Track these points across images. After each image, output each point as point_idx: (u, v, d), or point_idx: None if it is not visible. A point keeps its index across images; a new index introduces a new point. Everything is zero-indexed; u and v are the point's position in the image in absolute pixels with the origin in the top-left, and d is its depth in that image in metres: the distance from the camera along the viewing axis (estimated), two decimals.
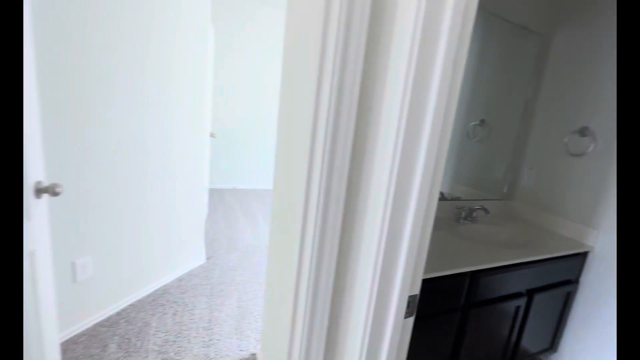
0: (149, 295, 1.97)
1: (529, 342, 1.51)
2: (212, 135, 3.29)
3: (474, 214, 1.63)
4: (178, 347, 1.59)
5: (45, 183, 1.05)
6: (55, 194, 1.04)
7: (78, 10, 1.36)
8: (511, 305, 1.34)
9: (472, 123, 1.65)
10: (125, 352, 1.51)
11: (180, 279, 2.19)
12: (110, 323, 1.69)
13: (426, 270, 1.03)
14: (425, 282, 1.03)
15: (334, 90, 0.77)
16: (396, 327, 0.80)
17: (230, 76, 4.34)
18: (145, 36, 1.68)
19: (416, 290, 0.81)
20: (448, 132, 0.72)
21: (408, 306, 0.80)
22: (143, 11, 1.64)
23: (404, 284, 0.77)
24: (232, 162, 4.62)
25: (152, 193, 1.90)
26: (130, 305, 1.86)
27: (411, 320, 0.84)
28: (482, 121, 1.68)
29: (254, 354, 1.61)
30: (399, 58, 0.68)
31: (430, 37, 0.64)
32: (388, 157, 0.72)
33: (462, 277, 1.16)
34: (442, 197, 1.65)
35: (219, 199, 4.13)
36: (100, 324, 1.66)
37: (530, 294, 1.39)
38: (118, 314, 1.76)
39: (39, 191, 1.02)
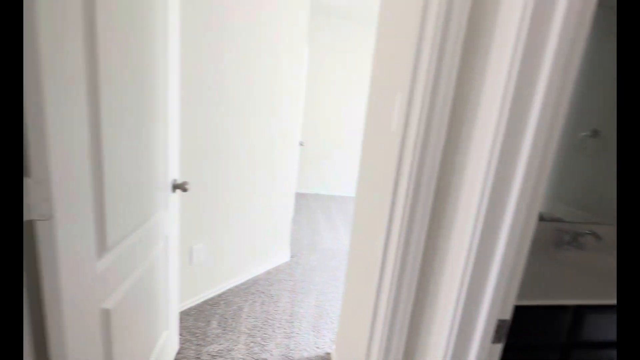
0: (243, 284, 2.21)
1: None
2: (301, 144, 3.54)
3: (581, 240, 1.40)
4: (264, 334, 1.74)
5: (179, 181, 1.29)
6: (185, 190, 1.26)
7: (216, 40, 1.65)
8: None
9: (582, 134, 1.43)
10: (223, 330, 1.73)
11: (268, 273, 2.40)
12: (213, 302, 1.95)
13: (519, 297, 0.93)
14: (517, 309, 0.94)
15: (426, 100, 0.78)
16: (482, 351, 0.76)
17: (319, 88, 4.59)
18: (255, 56, 1.92)
19: (507, 315, 0.76)
20: (553, 143, 0.65)
21: (497, 331, 0.75)
22: (256, 38, 1.89)
23: (492, 306, 0.73)
24: (316, 169, 4.86)
25: (253, 194, 2.15)
26: (229, 289, 2.11)
27: (499, 347, 0.79)
28: (595, 132, 1.44)
29: (328, 353, 1.66)
30: (497, 72, 0.66)
31: (536, 44, 0.60)
32: (481, 170, 0.69)
33: (563, 311, 1.01)
34: (540, 218, 1.46)
35: (303, 203, 4.37)
36: (205, 302, 1.94)
37: None
38: (219, 296, 2.03)
39: (174, 187, 1.26)
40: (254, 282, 2.25)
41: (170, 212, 1.26)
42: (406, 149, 0.86)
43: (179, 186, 1.26)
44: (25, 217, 0.60)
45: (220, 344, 1.62)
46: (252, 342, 1.67)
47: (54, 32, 0.59)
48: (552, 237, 1.47)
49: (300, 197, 4.63)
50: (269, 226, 2.40)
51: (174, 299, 1.38)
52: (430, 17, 0.76)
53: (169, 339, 1.38)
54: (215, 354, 1.55)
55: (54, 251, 0.64)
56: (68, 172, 0.66)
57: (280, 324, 1.84)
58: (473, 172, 0.73)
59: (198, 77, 1.64)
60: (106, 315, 0.84)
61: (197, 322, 1.76)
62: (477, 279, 0.72)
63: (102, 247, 0.80)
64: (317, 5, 3.94)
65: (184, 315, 1.80)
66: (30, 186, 0.60)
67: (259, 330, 1.76)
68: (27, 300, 0.64)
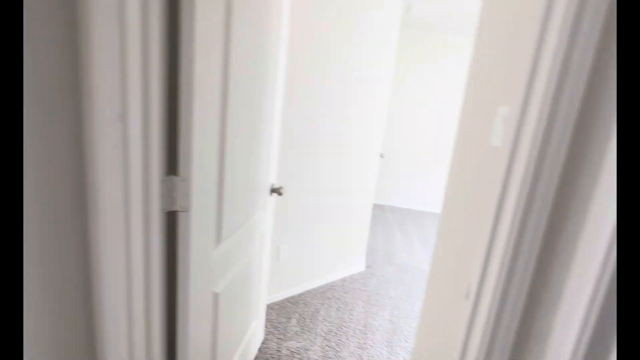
0: (320, 287, 2.27)
1: None
2: (381, 155, 3.50)
3: None
4: (338, 340, 1.75)
5: (276, 185, 1.40)
6: (280, 194, 1.37)
7: (311, 58, 1.77)
8: None
9: None
10: (302, 329, 1.79)
11: (343, 280, 2.42)
12: (293, 301, 2.05)
13: None
14: None
15: (544, 115, 0.70)
16: None
17: (400, 100, 4.50)
18: (345, 71, 1.99)
19: None
20: None
21: None
22: (347, 55, 1.97)
23: None
24: (393, 181, 4.74)
25: (335, 202, 2.21)
26: (307, 291, 2.19)
27: None
28: None
29: None
30: None
31: None
32: (611, 188, 0.59)
33: None
34: None
35: (380, 214, 4.30)
36: (287, 300, 2.05)
37: None
38: (299, 295, 2.12)
39: (272, 190, 1.37)
40: (330, 287, 2.29)
41: (267, 212, 1.38)
42: (515, 167, 0.78)
43: (275, 190, 1.37)
44: (170, 208, 0.73)
45: (298, 342, 1.68)
46: (327, 345, 1.69)
47: (204, 67, 0.72)
48: None
49: (376, 208, 4.56)
50: (347, 235, 2.42)
51: (263, 292, 1.49)
52: (554, 24, 0.69)
53: (257, 329, 1.50)
54: (294, 350, 1.62)
55: (187, 238, 0.76)
56: (202, 172, 0.77)
57: (354, 333, 1.83)
58: (603, 191, 0.62)
59: (294, 91, 1.77)
60: (216, 298, 0.95)
61: (279, 317, 1.87)
62: (606, 318, 0.61)
63: (218, 238, 0.92)
64: (406, 18, 3.89)
65: (268, 309, 1.93)
66: (177, 183, 0.72)
67: (333, 336, 1.78)
68: (164, 279, 0.76)
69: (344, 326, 1.87)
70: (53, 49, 0.50)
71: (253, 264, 1.27)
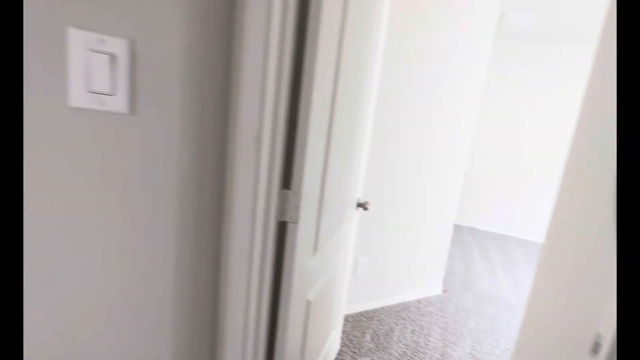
0: (394, 305, 2.19)
1: None
2: (465, 174, 3.26)
3: None
4: None
5: (362, 200, 1.41)
6: (365, 209, 1.37)
7: (400, 76, 1.77)
8: None
9: None
10: (376, 346, 1.75)
11: (419, 301, 2.29)
12: (368, 316, 2.02)
13: None
14: None
15: None
16: None
17: (491, 116, 4.15)
18: (433, 92, 1.93)
19: None
20: None
21: None
22: (437, 74, 1.91)
23: None
24: (474, 200, 4.36)
25: (414, 220, 2.13)
26: (381, 307, 2.14)
27: None
28: None
29: None
30: None
31: None
32: None
33: None
34: None
35: (457, 235, 3.98)
36: (361, 314, 2.03)
37: None
38: (373, 311, 2.08)
39: (358, 205, 1.39)
40: (404, 307, 2.19)
41: (352, 225, 1.40)
42: None
43: (361, 205, 1.38)
44: (281, 218, 0.79)
45: None
46: None
47: (320, 91, 0.77)
48: None
49: (454, 228, 4.24)
50: (425, 254, 2.29)
51: (343, 303, 1.50)
52: None
53: (335, 339, 1.51)
54: None
55: (294, 247, 0.81)
56: (310, 187, 0.82)
57: None
58: None
59: (380, 106, 1.77)
60: (308, 305, 0.99)
61: (353, 330, 1.85)
62: None
63: (315, 248, 0.96)
64: (498, 28, 3.61)
65: (344, 320, 1.93)
66: (289, 196, 0.78)
67: (409, 359, 1.69)
68: (272, 282, 0.82)
69: (420, 351, 1.76)
70: (216, 94, 0.60)
71: (337, 274, 1.29)
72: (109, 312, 0.57)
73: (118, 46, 0.46)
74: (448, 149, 2.16)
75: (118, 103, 0.48)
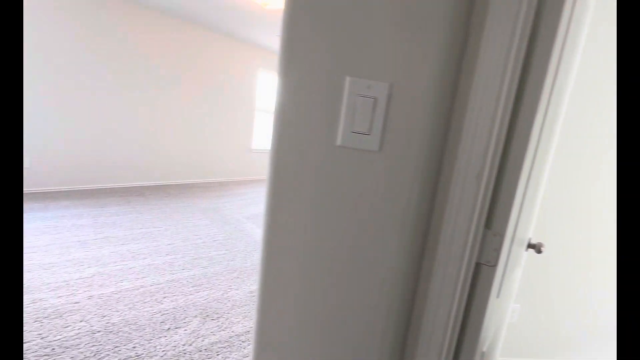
0: None
1: None
2: None
3: None
4: None
5: (533, 241, 1.20)
6: (539, 251, 1.14)
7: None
8: None
9: None
10: None
11: None
12: None
13: None
14: None
15: None
16: None
17: None
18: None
19: None
20: None
21: None
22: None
23: None
24: None
25: (587, 265, 1.70)
26: None
27: None
28: None
29: None
30: None
31: None
32: None
33: None
34: None
35: None
36: None
37: None
38: None
39: (528, 246, 1.18)
40: None
41: (518, 270, 1.19)
42: None
43: (532, 246, 1.16)
44: (476, 260, 0.71)
45: None
46: None
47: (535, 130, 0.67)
48: None
49: None
50: (598, 313, 1.79)
51: (497, 356, 1.29)
52: None
53: None
54: None
55: (488, 293, 0.72)
56: (511, 227, 0.72)
57: None
58: None
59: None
60: (482, 357, 0.87)
61: None
62: None
63: (498, 294, 0.84)
64: None
65: None
66: (487, 236, 0.70)
67: None
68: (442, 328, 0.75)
69: None
70: (441, 134, 0.58)
71: (503, 321, 1.11)
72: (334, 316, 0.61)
73: (380, 90, 0.49)
74: None
75: (372, 142, 0.50)
